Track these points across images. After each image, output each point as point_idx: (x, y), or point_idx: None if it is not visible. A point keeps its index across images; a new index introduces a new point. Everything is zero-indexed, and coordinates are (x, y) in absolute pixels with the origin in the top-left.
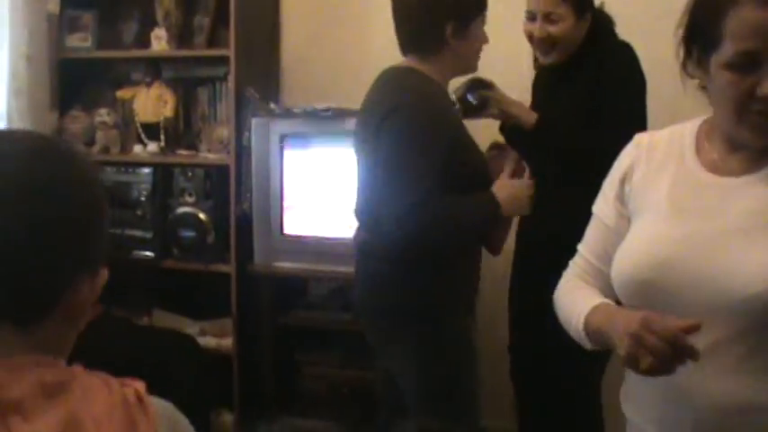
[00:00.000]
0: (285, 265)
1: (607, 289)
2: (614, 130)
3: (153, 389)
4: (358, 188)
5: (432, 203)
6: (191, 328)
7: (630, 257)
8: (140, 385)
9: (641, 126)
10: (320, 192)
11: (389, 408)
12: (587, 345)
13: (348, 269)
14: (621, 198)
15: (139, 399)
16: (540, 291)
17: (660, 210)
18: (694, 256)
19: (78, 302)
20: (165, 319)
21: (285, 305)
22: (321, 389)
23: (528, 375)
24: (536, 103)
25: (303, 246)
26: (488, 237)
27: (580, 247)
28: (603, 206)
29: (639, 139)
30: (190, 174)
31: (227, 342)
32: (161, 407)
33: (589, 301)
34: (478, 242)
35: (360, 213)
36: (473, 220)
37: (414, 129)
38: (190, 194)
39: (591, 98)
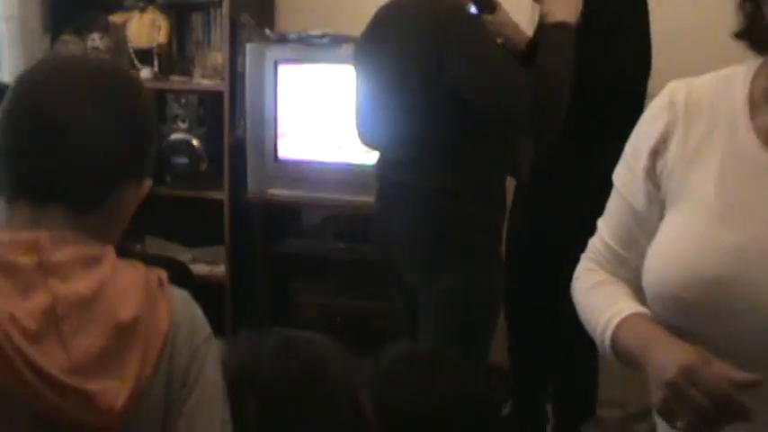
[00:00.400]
0: (279, 192)
1: (634, 280)
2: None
3: None
4: (388, 119)
5: (526, 72)
6: (183, 255)
7: (669, 270)
8: (163, 273)
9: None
10: (315, 119)
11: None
12: (612, 358)
13: (341, 197)
14: (653, 176)
15: (161, 283)
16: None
17: (706, 203)
18: (752, 272)
19: (124, 203)
20: (157, 247)
21: (278, 233)
22: (314, 317)
23: (526, 318)
24: None
25: (297, 173)
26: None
27: (601, 226)
28: (629, 182)
29: (674, 93)
30: (183, 100)
31: (220, 270)
32: (180, 296)
33: (617, 309)
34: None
35: (397, 141)
36: (562, 54)
37: (473, 26)
38: (183, 121)
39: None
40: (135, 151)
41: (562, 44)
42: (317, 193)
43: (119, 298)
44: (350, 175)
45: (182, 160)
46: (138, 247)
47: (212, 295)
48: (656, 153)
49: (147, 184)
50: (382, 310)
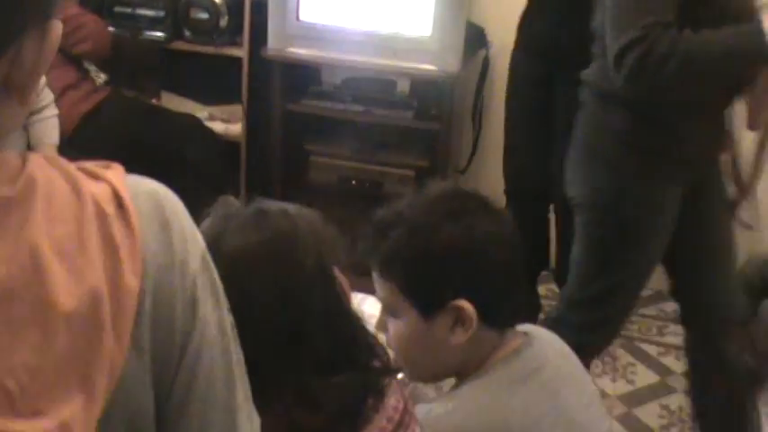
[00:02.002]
0: (299, 51)
1: None
2: None
3: (163, 170)
4: None
5: (651, 38)
6: (199, 112)
7: None
8: (117, 176)
9: None
10: None
11: None
12: None
13: (362, 59)
14: None
15: (119, 203)
16: None
17: None
18: None
19: (25, 63)
20: (173, 103)
21: (297, 93)
22: (329, 179)
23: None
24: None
25: (318, 32)
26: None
27: None
28: None
29: None
30: None
31: (236, 128)
32: (146, 203)
33: None
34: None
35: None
36: (721, 51)
37: None
38: None
39: None
40: None
41: (741, 52)
42: (337, 53)
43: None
44: (372, 39)
45: (201, 15)
46: (154, 102)
47: (228, 154)
48: None
49: (57, 28)
50: (397, 175)
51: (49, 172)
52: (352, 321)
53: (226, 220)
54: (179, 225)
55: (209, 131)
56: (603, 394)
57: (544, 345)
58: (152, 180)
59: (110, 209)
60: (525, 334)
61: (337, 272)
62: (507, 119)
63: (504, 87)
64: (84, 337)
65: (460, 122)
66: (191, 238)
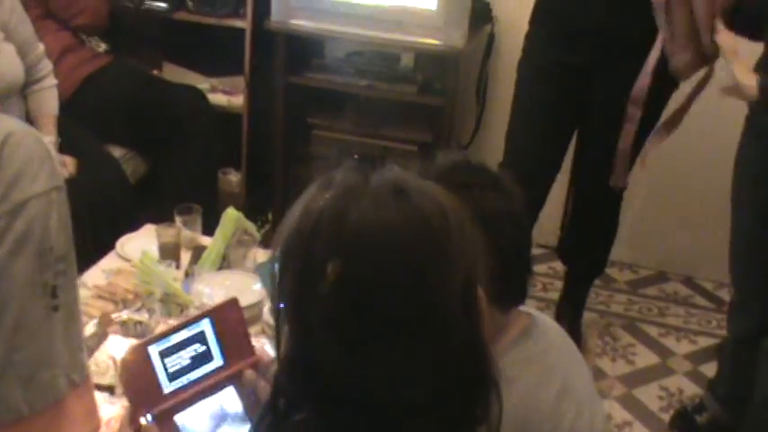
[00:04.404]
0: (303, 23)
1: None
2: None
3: (162, 141)
4: None
5: None
6: (201, 83)
7: None
8: None
9: None
10: None
11: None
12: None
13: (367, 32)
14: None
15: None
16: None
17: None
18: None
19: None
20: (175, 74)
21: (300, 66)
22: (331, 153)
23: None
24: None
25: (322, 4)
26: None
27: None
28: None
29: None
30: None
31: (238, 100)
32: None
33: None
34: None
35: None
36: None
37: None
38: None
39: None
40: None
41: None
42: (341, 26)
43: None
44: (377, 12)
45: None
46: (156, 73)
47: (229, 126)
48: None
49: None
50: (400, 150)
51: None
52: (488, 362)
53: (352, 194)
54: (10, 170)
55: (209, 105)
56: (603, 374)
57: (546, 324)
58: (19, 122)
59: None
60: (528, 314)
61: (481, 293)
62: (519, 102)
63: (510, 64)
64: None
65: (464, 98)
66: (16, 186)
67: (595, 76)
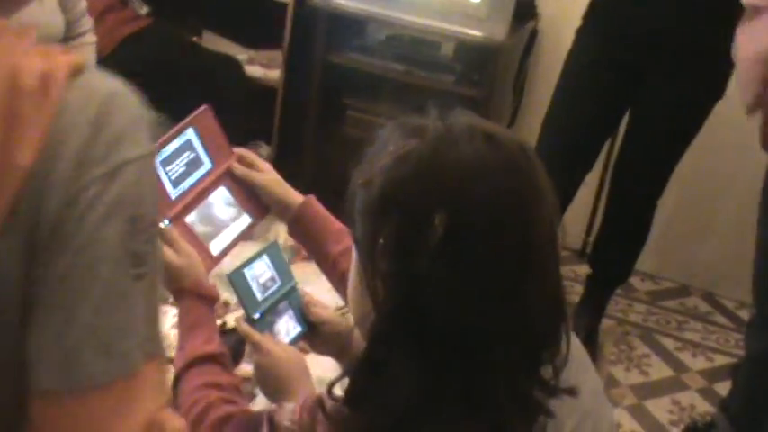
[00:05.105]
0: (346, 2)
1: None
2: None
3: (196, 108)
4: None
5: None
6: (240, 54)
7: None
8: (69, 61)
9: None
10: None
11: None
12: None
13: (409, 17)
14: None
15: (45, 83)
16: None
17: None
18: None
19: None
20: (214, 43)
21: (339, 45)
22: (363, 135)
23: None
24: None
25: None
26: None
27: None
28: None
29: None
30: None
31: (275, 74)
32: (80, 93)
33: None
34: None
35: None
36: None
37: None
38: None
39: None
40: None
41: None
42: (385, 9)
43: None
44: None
45: None
46: (196, 40)
47: (264, 99)
48: None
49: None
50: None
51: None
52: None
53: (445, 141)
54: (112, 130)
55: (244, 76)
56: (616, 382)
57: None
58: (121, 82)
59: (29, 83)
60: None
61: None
62: (562, 92)
63: (549, 61)
64: None
65: (501, 92)
66: (116, 148)
67: (646, 78)
